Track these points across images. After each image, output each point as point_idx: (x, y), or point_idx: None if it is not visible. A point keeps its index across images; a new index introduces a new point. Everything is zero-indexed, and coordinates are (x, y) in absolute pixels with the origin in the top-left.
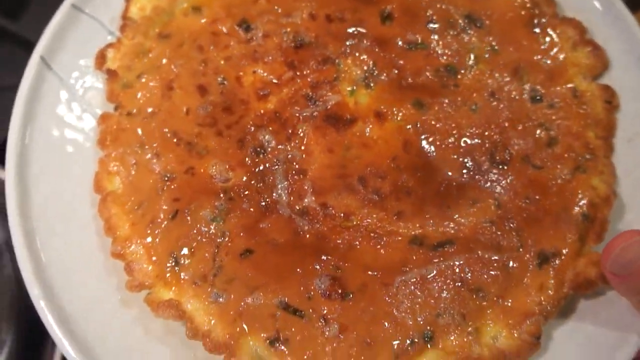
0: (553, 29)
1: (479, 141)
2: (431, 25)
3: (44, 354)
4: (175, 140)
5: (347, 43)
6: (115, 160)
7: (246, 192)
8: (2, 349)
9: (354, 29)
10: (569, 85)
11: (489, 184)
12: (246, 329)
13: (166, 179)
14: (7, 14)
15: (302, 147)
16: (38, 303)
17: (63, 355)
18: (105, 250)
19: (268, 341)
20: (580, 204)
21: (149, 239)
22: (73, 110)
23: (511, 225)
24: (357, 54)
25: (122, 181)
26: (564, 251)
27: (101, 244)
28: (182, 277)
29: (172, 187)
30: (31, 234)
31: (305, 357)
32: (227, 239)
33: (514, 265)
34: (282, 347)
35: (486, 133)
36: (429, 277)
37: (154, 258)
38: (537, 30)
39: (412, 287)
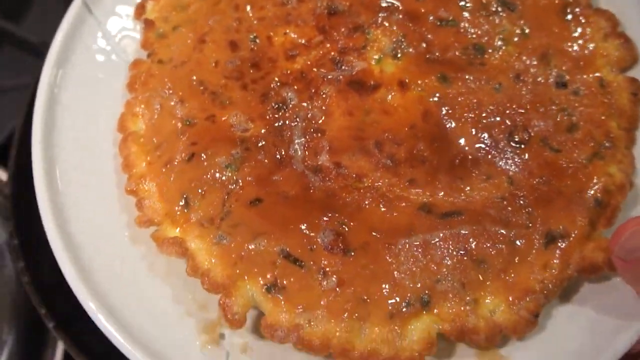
0: (585, 19)
1: (499, 119)
2: (464, 4)
3: (44, 354)
4: (201, 88)
5: (380, 14)
6: (141, 103)
7: (263, 144)
8: (3, 350)
9: (387, 1)
10: (596, 75)
11: (504, 161)
12: (245, 273)
13: (187, 123)
14: (8, 15)
15: (323, 108)
16: (49, 227)
17: (64, 356)
18: (121, 188)
19: (265, 287)
20: (595, 188)
21: (163, 178)
22: (107, 54)
23: (522, 202)
24: (387, 26)
25: (145, 123)
26: (573, 233)
27: (118, 181)
28: (190, 217)
29: (192, 131)
30: (51, 162)
31: (299, 306)
32: (238, 186)
33: (521, 241)
34: (278, 295)
35: (507, 112)
36: (432, 242)
37: (165, 197)
38: (569, 18)
39: (415, 250)
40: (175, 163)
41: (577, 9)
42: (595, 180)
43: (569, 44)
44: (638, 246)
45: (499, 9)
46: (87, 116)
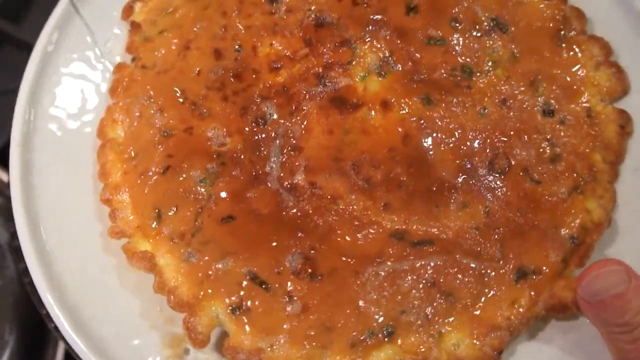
0: (578, 45)
1: (481, 146)
2: (455, 23)
3: (46, 355)
4: (181, 98)
5: (368, 29)
6: (122, 110)
7: (239, 160)
8: (4, 350)
9: (377, 16)
10: (584, 105)
11: (482, 190)
12: (210, 293)
13: (165, 134)
14: (9, 17)
15: (303, 125)
16: (21, 232)
17: (65, 357)
18: (97, 196)
19: (230, 308)
20: (571, 225)
21: (137, 190)
22: (93, 56)
23: (496, 236)
24: (375, 42)
25: (124, 130)
26: (545, 270)
27: (94, 189)
28: (162, 231)
29: (169, 143)
30: (28, 165)
31: (263, 330)
32: (211, 202)
33: (491, 275)
34: (243, 317)
35: (489, 139)
36: (401, 272)
37: (138, 209)
38: (562, 44)
39: (382, 280)
40: (150, 174)
41: (571, 35)
42: (572, 217)
43: (559, 70)
44: (600, 289)
45: (491, 30)
46: (69, 119)
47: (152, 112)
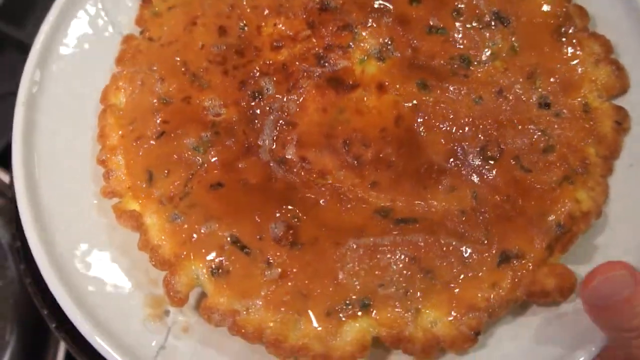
0: (579, 42)
1: (473, 132)
2: (457, 14)
3: (46, 355)
4: (182, 69)
5: (371, 15)
6: (126, 78)
7: (234, 130)
8: (5, 350)
9: (380, 3)
10: (581, 100)
11: (471, 175)
12: (192, 253)
13: (163, 102)
14: (12, 20)
15: (299, 102)
16: (18, 186)
17: (66, 357)
18: (95, 159)
19: (210, 269)
20: (559, 212)
21: (132, 152)
22: (104, 27)
23: (482, 218)
24: (376, 27)
25: (126, 97)
26: (528, 255)
27: (93, 152)
28: (152, 194)
29: (166, 110)
30: (32, 124)
31: (240, 292)
32: (203, 169)
33: (473, 257)
34: (222, 279)
35: (482, 126)
36: (382, 246)
37: (131, 171)
38: (563, 39)
39: (362, 252)
40: (145, 139)
41: (572, 31)
42: (561, 204)
43: (558, 65)
44: (607, 294)
45: (492, 22)
46: (76, 85)
47: (153, 81)
